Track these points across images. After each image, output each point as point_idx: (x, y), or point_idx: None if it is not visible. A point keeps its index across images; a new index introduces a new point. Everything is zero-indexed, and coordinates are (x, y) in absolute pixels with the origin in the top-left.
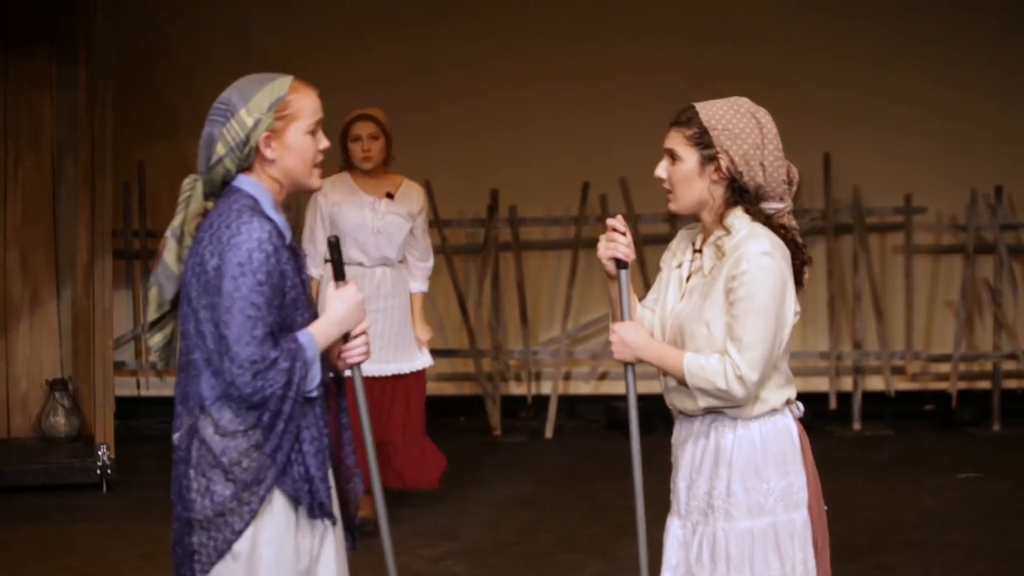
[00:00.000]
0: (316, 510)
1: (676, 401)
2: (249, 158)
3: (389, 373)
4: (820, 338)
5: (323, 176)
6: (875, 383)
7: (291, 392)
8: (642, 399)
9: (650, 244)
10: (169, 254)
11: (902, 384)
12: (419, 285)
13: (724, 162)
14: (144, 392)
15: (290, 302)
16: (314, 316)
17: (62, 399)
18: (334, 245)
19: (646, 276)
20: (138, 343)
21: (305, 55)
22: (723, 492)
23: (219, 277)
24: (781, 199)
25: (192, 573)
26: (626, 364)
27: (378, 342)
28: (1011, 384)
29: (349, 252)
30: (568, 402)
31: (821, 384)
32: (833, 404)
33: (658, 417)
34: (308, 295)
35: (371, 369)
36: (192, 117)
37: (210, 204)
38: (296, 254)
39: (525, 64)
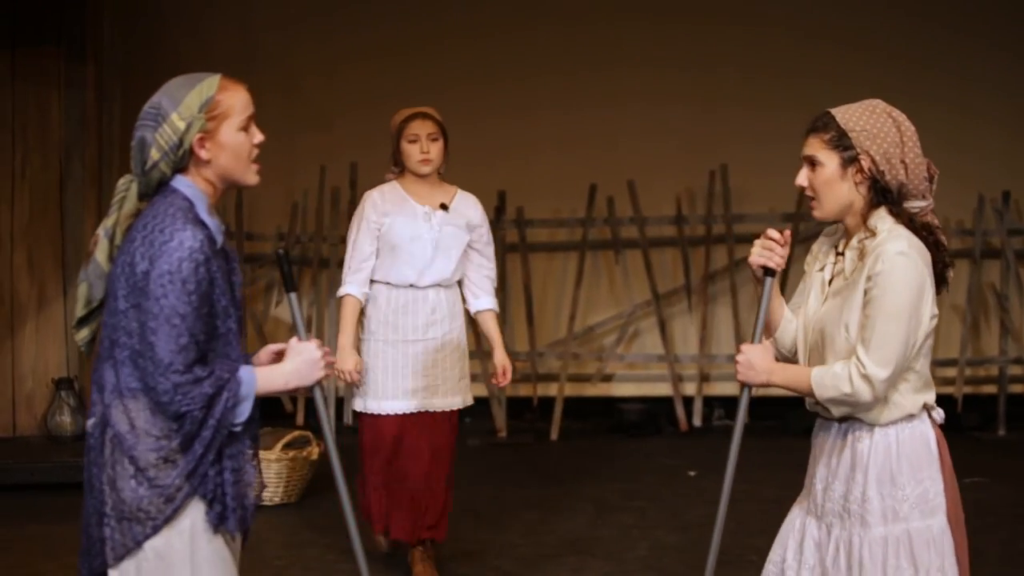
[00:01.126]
0: (222, 529)
1: (864, 415)
2: (183, 160)
3: (438, 409)
4: None
5: (259, 172)
6: None
7: (211, 419)
8: (647, 401)
9: (656, 247)
10: (100, 253)
11: None
12: (488, 301)
13: (866, 163)
14: None
15: (221, 310)
16: (240, 320)
17: (68, 398)
18: (282, 257)
19: (653, 279)
20: None
21: (312, 56)
22: (859, 497)
23: (147, 281)
24: (923, 196)
25: (102, 564)
26: (744, 385)
27: (430, 375)
28: (1017, 389)
29: (401, 271)
30: (573, 404)
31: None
32: None
33: (663, 419)
34: (237, 300)
35: (416, 405)
36: None
37: (143, 204)
38: (228, 258)
39: (533, 66)
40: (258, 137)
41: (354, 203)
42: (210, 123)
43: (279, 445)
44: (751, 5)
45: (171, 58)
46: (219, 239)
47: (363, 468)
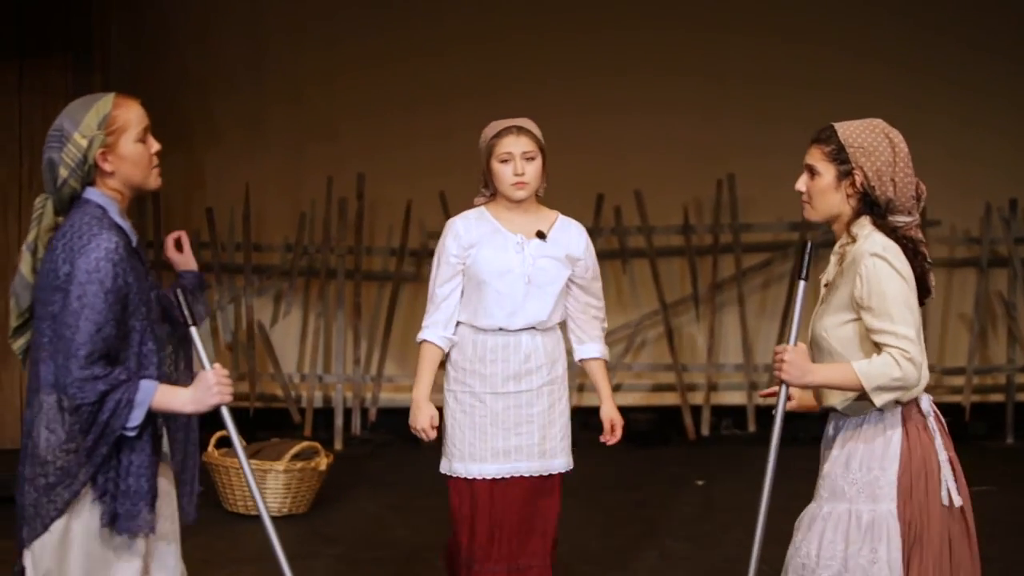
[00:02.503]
0: (123, 527)
1: (837, 403)
2: (90, 174)
3: (534, 473)
4: None
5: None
6: None
7: (101, 415)
8: (655, 410)
9: (663, 256)
10: (25, 266)
11: None
12: (595, 348)
13: (859, 177)
14: None
15: (133, 309)
16: (151, 317)
17: None
18: (179, 295)
19: (660, 289)
20: None
21: (318, 65)
22: (823, 475)
23: (68, 282)
24: (909, 212)
25: (23, 542)
26: (783, 382)
27: (523, 433)
28: None
29: (489, 312)
30: (582, 413)
31: None
32: None
33: (671, 429)
34: (151, 299)
35: (509, 468)
36: (207, 128)
37: (60, 219)
38: (141, 260)
39: (539, 75)
40: (155, 146)
41: (361, 213)
42: (109, 138)
43: (287, 456)
44: (758, 16)
45: (178, 68)
46: (133, 239)
47: (454, 537)
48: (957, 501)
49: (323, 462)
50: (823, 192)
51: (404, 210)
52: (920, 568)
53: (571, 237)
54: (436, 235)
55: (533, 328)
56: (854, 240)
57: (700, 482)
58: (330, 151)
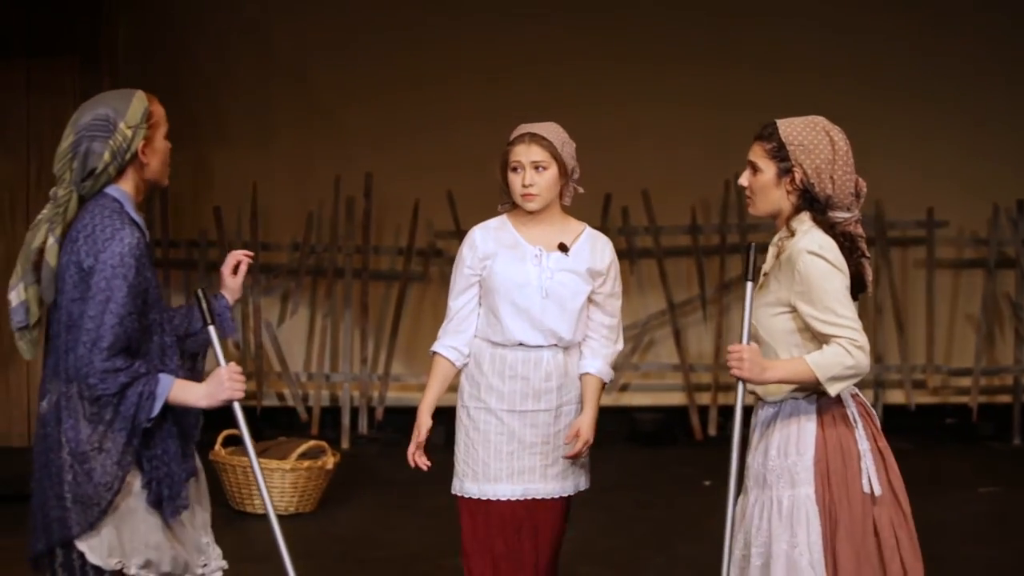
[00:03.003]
0: (172, 509)
1: (758, 389)
2: (125, 165)
3: (548, 495)
4: None
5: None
6: (896, 396)
7: (126, 409)
8: (662, 410)
9: (671, 256)
10: (51, 256)
11: (923, 398)
12: (595, 364)
13: (798, 174)
14: None
15: (152, 303)
16: (161, 311)
17: None
18: (200, 294)
19: (667, 289)
20: None
21: (327, 65)
22: (758, 464)
23: (91, 275)
24: (848, 209)
25: (63, 538)
26: (740, 380)
27: (540, 454)
28: None
29: (507, 326)
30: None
31: None
32: None
33: (679, 429)
34: (159, 291)
35: (524, 490)
36: (215, 128)
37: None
38: (151, 254)
39: (546, 76)
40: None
41: (369, 213)
42: (149, 131)
43: (294, 455)
44: (762, 24)
45: (185, 68)
46: (146, 234)
47: (466, 561)
48: (877, 490)
49: (330, 461)
50: (764, 188)
51: (412, 209)
52: (842, 554)
53: (596, 251)
54: (444, 235)
55: (555, 345)
56: (792, 234)
57: (707, 482)
58: (338, 150)
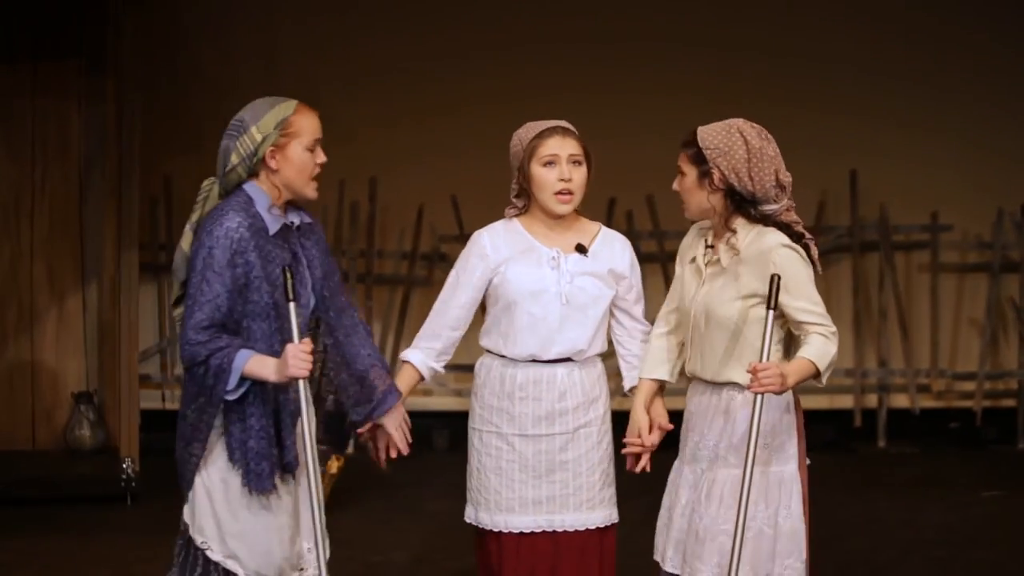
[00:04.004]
0: (253, 485)
1: (697, 369)
2: (257, 167)
3: (568, 527)
4: (845, 355)
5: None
6: (900, 401)
7: (208, 380)
8: (669, 415)
9: (675, 261)
10: (185, 242)
11: (927, 402)
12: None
13: (716, 175)
14: (169, 405)
15: (254, 288)
16: (274, 299)
17: (87, 411)
18: (286, 272)
19: None
20: (163, 356)
21: (333, 69)
22: (727, 445)
23: (194, 257)
24: (775, 200)
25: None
26: (763, 393)
27: (557, 482)
28: None
29: (521, 339)
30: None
31: (846, 401)
32: (858, 421)
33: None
34: (276, 300)
35: (541, 521)
36: (219, 133)
37: (219, 201)
38: (290, 248)
39: (552, 82)
40: (321, 158)
41: (373, 217)
42: (282, 139)
43: None
44: (769, 32)
45: (191, 72)
46: (272, 228)
47: None
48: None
49: (334, 465)
50: (689, 191)
51: (416, 214)
52: (809, 522)
53: (615, 252)
54: (448, 239)
55: (570, 360)
56: (735, 233)
57: None
58: (342, 154)
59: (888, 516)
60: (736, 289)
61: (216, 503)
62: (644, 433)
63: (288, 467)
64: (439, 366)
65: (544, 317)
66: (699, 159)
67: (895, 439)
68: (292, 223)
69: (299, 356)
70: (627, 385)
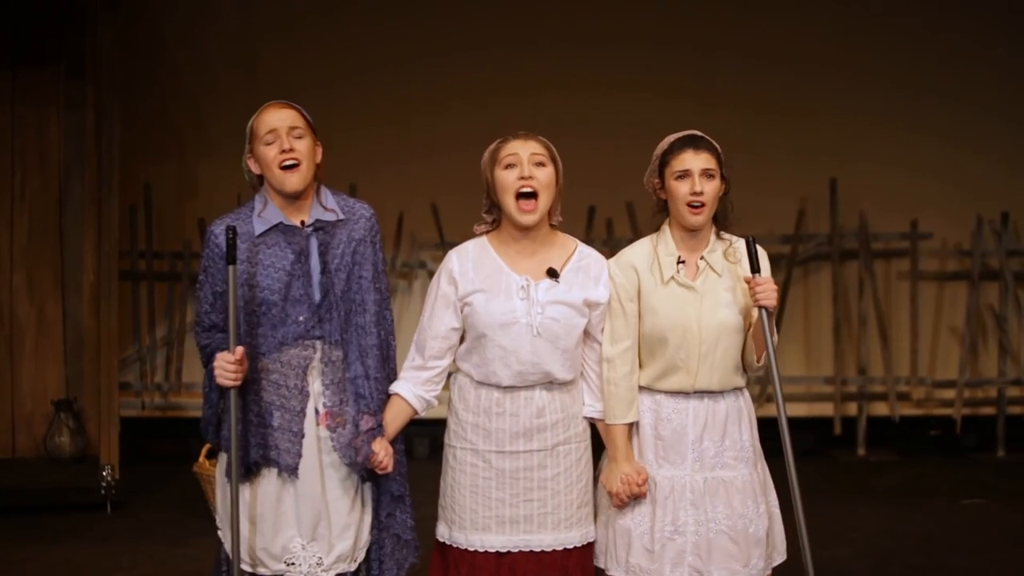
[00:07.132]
0: (225, 469)
1: (704, 383)
2: (252, 178)
3: (546, 547)
4: (825, 363)
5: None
6: (880, 408)
7: (209, 371)
8: None
9: None
10: None
11: (907, 410)
12: (598, 407)
13: (725, 186)
14: (148, 413)
15: (264, 286)
16: (248, 323)
17: (67, 419)
18: (228, 235)
19: None
20: (143, 364)
21: (311, 76)
22: (727, 446)
23: None
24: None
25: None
26: (766, 309)
27: (534, 500)
28: (1016, 410)
29: (492, 369)
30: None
31: (826, 409)
32: (837, 429)
33: None
34: (247, 300)
35: (517, 541)
36: (198, 140)
37: None
38: (291, 248)
39: (531, 87)
40: (282, 146)
41: None
42: (251, 145)
43: None
44: (750, 37)
45: (170, 79)
46: (258, 230)
47: None
48: None
49: None
50: (715, 198)
51: (396, 222)
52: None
53: (590, 278)
54: (427, 247)
55: (546, 386)
56: (729, 241)
57: None
58: (322, 162)
59: (868, 524)
60: (736, 292)
61: (218, 483)
62: (636, 481)
63: (254, 465)
64: (431, 396)
65: (515, 350)
66: (723, 166)
67: (875, 447)
68: (302, 222)
69: (224, 367)
70: (588, 412)
